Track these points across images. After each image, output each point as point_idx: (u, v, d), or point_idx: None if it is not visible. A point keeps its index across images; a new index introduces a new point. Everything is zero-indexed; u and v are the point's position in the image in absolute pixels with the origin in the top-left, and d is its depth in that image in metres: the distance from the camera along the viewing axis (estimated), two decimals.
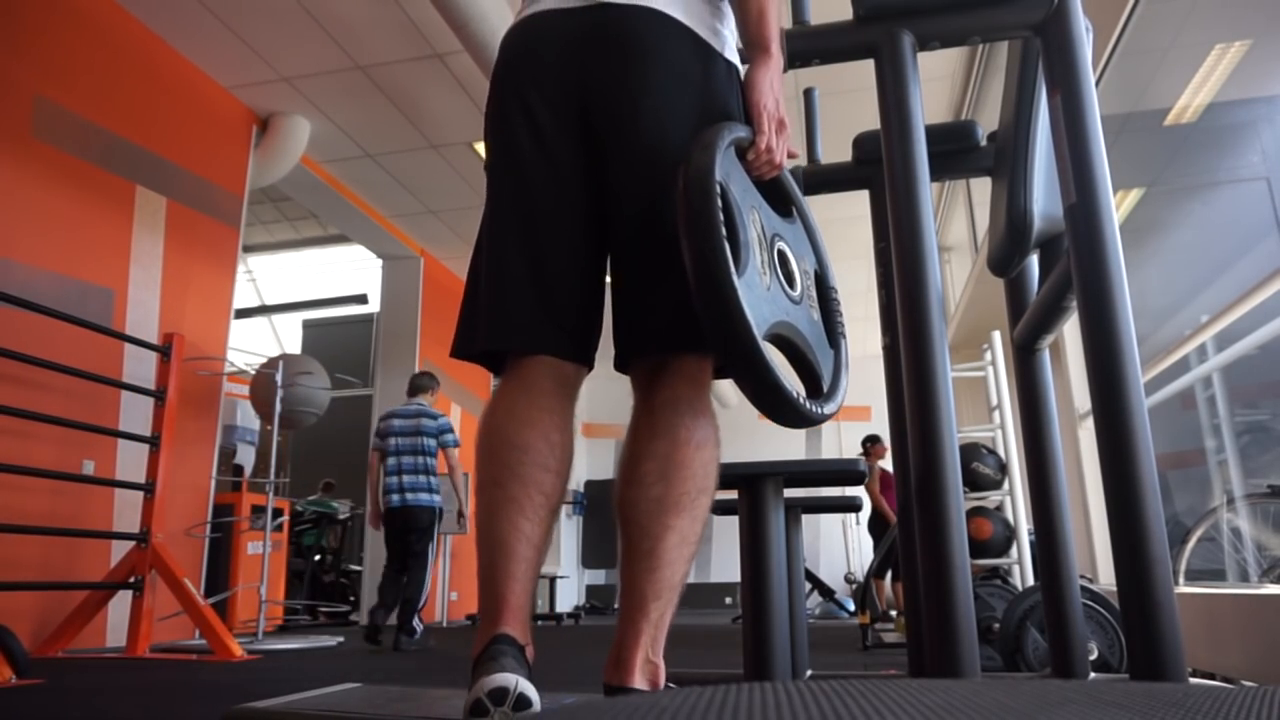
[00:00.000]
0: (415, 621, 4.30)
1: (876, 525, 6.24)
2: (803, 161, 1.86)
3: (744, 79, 1.25)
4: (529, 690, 0.96)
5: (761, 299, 1.04)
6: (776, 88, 1.21)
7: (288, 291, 9.56)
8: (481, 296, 1.21)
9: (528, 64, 1.23)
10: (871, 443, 6.34)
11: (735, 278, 0.98)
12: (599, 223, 1.22)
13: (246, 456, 5.34)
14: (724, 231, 0.99)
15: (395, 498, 4.43)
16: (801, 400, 1.06)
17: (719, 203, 1.01)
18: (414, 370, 6.91)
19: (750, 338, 0.98)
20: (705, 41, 1.23)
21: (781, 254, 1.17)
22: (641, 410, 1.20)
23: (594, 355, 1.25)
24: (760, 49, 1.23)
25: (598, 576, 10.88)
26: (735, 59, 1.28)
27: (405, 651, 4.09)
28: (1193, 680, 1.56)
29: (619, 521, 1.16)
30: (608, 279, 1.26)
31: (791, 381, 1.07)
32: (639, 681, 1.07)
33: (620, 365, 1.25)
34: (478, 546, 1.13)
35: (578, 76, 1.20)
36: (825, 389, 1.16)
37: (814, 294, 1.25)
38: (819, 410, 1.09)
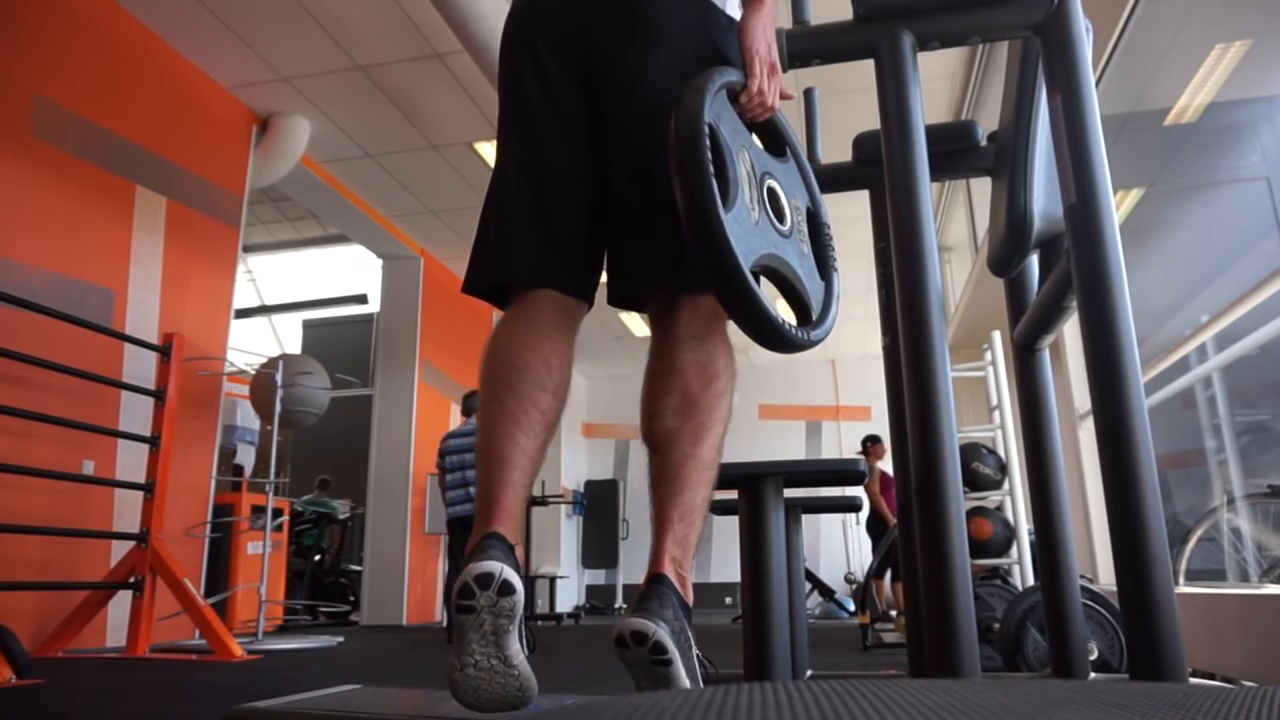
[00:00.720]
0: None
1: (875, 525, 6.23)
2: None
3: (739, 24, 1.28)
4: (513, 577, 1.03)
5: (749, 232, 1.11)
6: (769, 33, 1.26)
7: (288, 291, 9.56)
8: (491, 235, 1.29)
9: (535, 18, 1.32)
10: (871, 443, 6.34)
11: (722, 212, 1.05)
12: (601, 168, 1.29)
13: (246, 456, 5.34)
14: (712, 170, 1.05)
15: (460, 507, 4.83)
16: (789, 327, 1.12)
17: (707, 142, 1.07)
18: (414, 370, 6.93)
19: (736, 268, 1.05)
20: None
21: (771, 191, 1.23)
22: (659, 344, 1.27)
23: (594, 293, 1.32)
24: None
25: (598, 576, 10.87)
26: (736, 13, 1.33)
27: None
28: (1193, 680, 1.56)
29: (647, 447, 1.25)
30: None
31: (783, 313, 1.13)
32: (667, 569, 1.14)
33: (629, 303, 1.32)
34: (477, 457, 1.21)
35: (581, 30, 1.28)
36: (815, 317, 1.22)
37: (804, 229, 1.31)
38: (806, 336, 1.16)
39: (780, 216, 1.22)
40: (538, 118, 1.29)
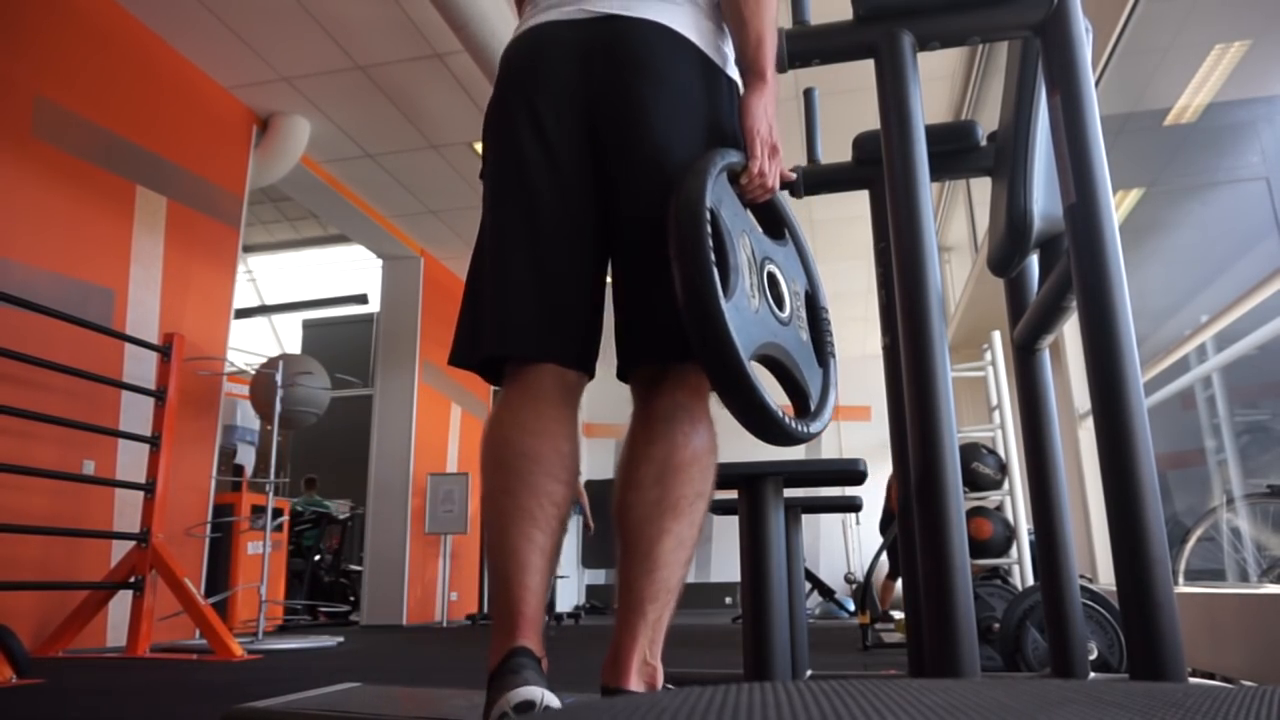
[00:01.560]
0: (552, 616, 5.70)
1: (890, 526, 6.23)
2: (802, 161, 1.87)
3: (740, 104, 1.26)
4: (555, 703, 0.96)
5: (750, 321, 1.07)
6: (770, 113, 1.23)
7: (288, 291, 9.56)
8: (484, 303, 1.20)
9: (534, 72, 1.24)
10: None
11: (722, 301, 1.01)
12: (602, 232, 1.22)
13: (247, 456, 5.34)
14: (713, 257, 1.02)
15: None
16: (788, 420, 1.09)
17: (708, 229, 1.03)
18: (414, 370, 6.92)
19: (736, 359, 1.01)
20: (710, 59, 1.24)
21: (771, 276, 1.19)
22: (640, 416, 1.21)
23: (595, 364, 1.26)
24: (756, 75, 1.24)
25: (598, 576, 10.87)
26: (736, 77, 1.30)
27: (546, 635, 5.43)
28: (1192, 680, 1.56)
29: (616, 525, 1.17)
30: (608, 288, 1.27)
31: (780, 400, 1.09)
32: (635, 683, 1.08)
33: (622, 374, 1.26)
34: (490, 557, 1.12)
35: (584, 87, 1.20)
36: (812, 408, 1.19)
37: (804, 315, 1.28)
38: (805, 429, 1.13)
39: (780, 303, 1.19)
40: (537, 179, 1.20)
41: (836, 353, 1.30)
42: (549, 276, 1.18)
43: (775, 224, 1.30)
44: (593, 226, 1.21)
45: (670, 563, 1.12)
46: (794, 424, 1.10)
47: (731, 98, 1.27)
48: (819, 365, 1.25)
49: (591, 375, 1.25)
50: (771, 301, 1.16)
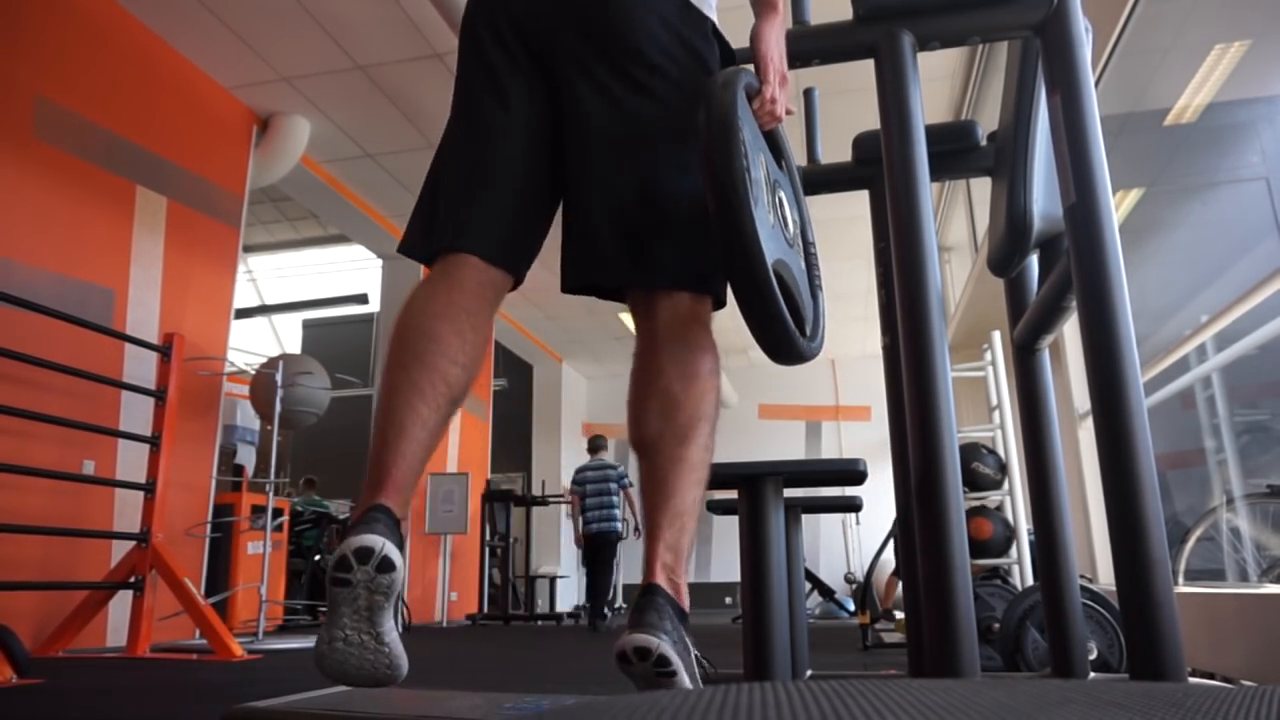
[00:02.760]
0: (606, 610, 6.52)
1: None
2: (802, 161, 1.87)
3: (751, 33, 1.28)
4: (394, 554, 0.99)
5: (768, 235, 1.09)
6: (782, 41, 1.25)
7: (288, 291, 9.56)
8: (436, 197, 1.26)
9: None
10: None
11: (754, 212, 1.03)
12: (556, 149, 1.28)
13: (247, 456, 5.33)
14: (745, 165, 1.04)
15: (593, 526, 6.58)
16: (798, 335, 1.12)
17: (740, 139, 1.05)
18: None
19: (765, 270, 1.03)
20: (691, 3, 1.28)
21: (780, 199, 1.22)
22: (644, 342, 1.24)
23: (524, 270, 1.29)
24: (767, 4, 1.27)
25: None
26: (712, 13, 1.32)
27: (600, 631, 5.95)
28: (1192, 680, 1.56)
29: (634, 450, 1.22)
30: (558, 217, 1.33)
31: None
32: (660, 578, 1.12)
33: (611, 294, 1.31)
34: (374, 423, 1.15)
35: (554, 8, 1.25)
36: (807, 331, 1.22)
37: (801, 242, 1.31)
38: (809, 346, 1.16)
39: (786, 224, 1.21)
40: (500, 84, 1.26)
41: (823, 285, 1.34)
42: (492, 175, 1.24)
43: (776, 152, 1.32)
44: (553, 143, 1.27)
45: (683, 487, 1.17)
46: (801, 339, 1.14)
47: (696, 30, 1.29)
48: (810, 294, 1.28)
49: (519, 279, 1.29)
50: (780, 220, 1.19)
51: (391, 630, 1.01)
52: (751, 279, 1.04)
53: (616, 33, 1.23)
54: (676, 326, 1.22)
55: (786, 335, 1.09)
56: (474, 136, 1.27)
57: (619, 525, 6.61)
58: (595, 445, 6.96)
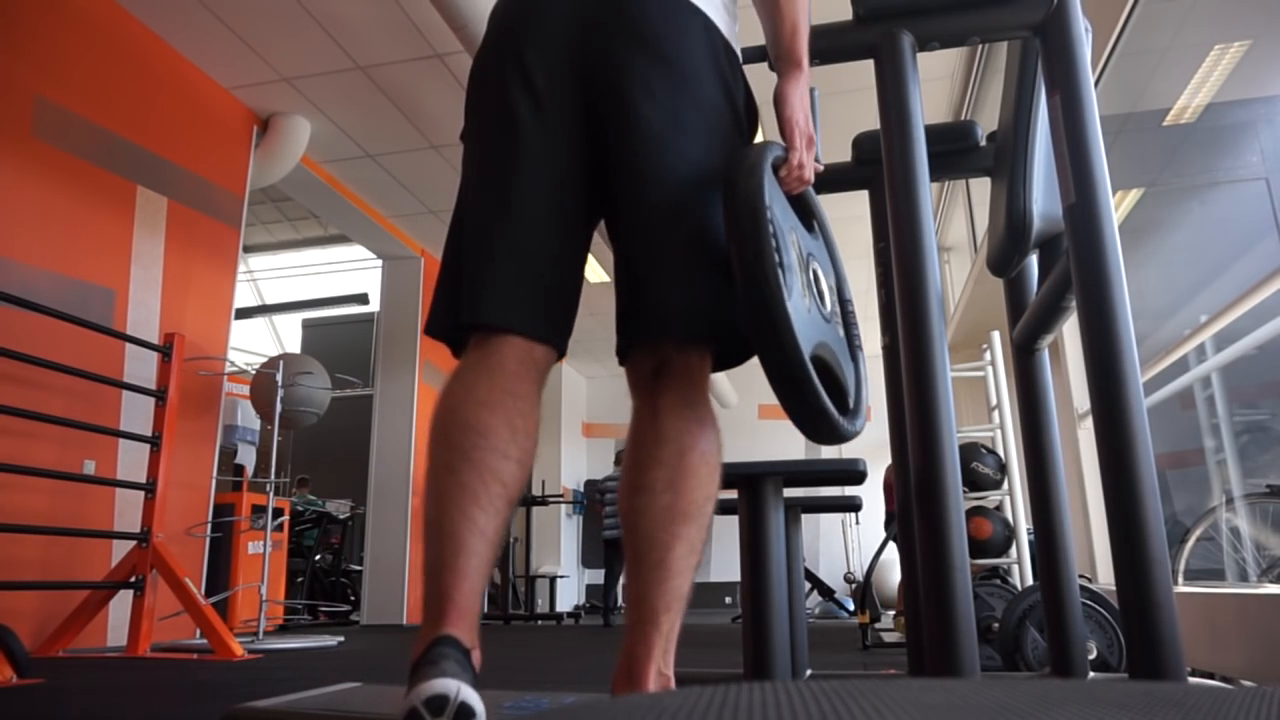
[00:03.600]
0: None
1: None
2: None
3: (775, 94, 1.24)
4: (471, 698, 0.86)
5: (805, 322, 1.05)
6: (806, 102, 1.21)
7: (288, 291, 9.56)
8: (458, 271, 1.13)
9: (527, 26, 1.16)
10: None
11: (789, 306, 0.99)
12: (590, 201, 1.16)
13: (247, 456, 5.34)
14: (777, 259, 1.00)
15: (613, 533, 6.71)
16: (840, 421, 1.07)
17: (770, 228, 1.01)
18: (414, 370, 6.93)
19: (803, 364, 1.00)
20: (715, 25, 1.20)
21: (814, 274, 1.17)
22: (645, 414, 1.14)
23: (566, 343, 1.18)
24: (793, 64, 1.22)
25: (598, 576, 10.86)
26: (737, 46, 1.27)
27: (612, 626, 6.02)
28: (1192, 680, 1.56)
29: (625, 531, 1.12)
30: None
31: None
32: (650, 685, 1.05)
33: (621, 354, 1.20)
34: (425, 539, 1.02)
35: (581, 45, 1.14)
36: (851, 405, 1.18)
37: (839, 309, 1.27)
38: (851, 427, 1.11)
39: (822, 299, 1.17)
40: (524, 141, 1.12)
41: (863, 344, 1.30)
42: (524, 242, 1.10)
43: (806, 215, 1.27)
44: (581, 195, 1.15)
45: (682, 569, 1.08)
46: (843, 422, 1.09)
47: (735, 69, 1.22)
48: (850, 359, 1.24)
49: (562, 353, 1.18)
50: (817, 299, 1.15)
51: None
52: (789, 377, 1.01)
53: (650, 62, 1.13)
54: (689, 390, 1.13)
55: (827, 423, 1.05)
56: (510, 190, 1.12)
57: None
58: (622, 459, 7.64)
